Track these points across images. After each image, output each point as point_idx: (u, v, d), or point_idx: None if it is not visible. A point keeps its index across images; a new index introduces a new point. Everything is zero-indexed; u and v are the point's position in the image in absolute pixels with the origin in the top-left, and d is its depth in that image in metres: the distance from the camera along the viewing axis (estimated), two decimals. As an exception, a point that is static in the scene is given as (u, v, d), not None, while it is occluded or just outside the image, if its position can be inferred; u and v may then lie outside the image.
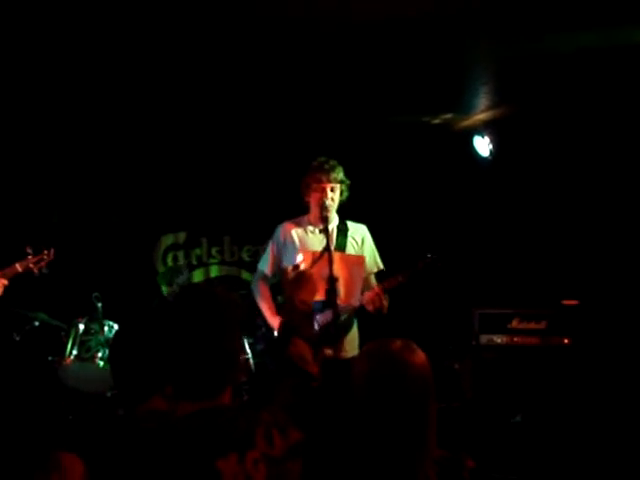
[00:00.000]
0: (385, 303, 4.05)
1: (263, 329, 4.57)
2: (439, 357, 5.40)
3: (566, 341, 4.87)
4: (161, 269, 6.72)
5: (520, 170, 5.90)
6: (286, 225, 4.37)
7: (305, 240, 4.28)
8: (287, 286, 2.78)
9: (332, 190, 4.19)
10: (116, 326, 5.09)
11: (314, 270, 3.98)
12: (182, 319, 1.93)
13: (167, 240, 6.83)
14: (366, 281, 4.23)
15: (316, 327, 4.04)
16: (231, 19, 3.99)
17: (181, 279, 6.33)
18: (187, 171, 6.60)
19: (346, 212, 4.41)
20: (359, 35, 4.26)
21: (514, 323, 5.00)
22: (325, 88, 5.20)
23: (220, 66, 4.75)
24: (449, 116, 5.84)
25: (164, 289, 5.88)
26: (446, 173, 6.22)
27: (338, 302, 3.81)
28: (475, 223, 6.07)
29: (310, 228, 4.32)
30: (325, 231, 3.99)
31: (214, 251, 6.86)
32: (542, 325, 4.94)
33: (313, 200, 4.24)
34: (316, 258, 3.92)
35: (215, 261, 6.86)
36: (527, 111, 5.53)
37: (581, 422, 4.65)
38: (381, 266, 4.34)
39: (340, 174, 4.20)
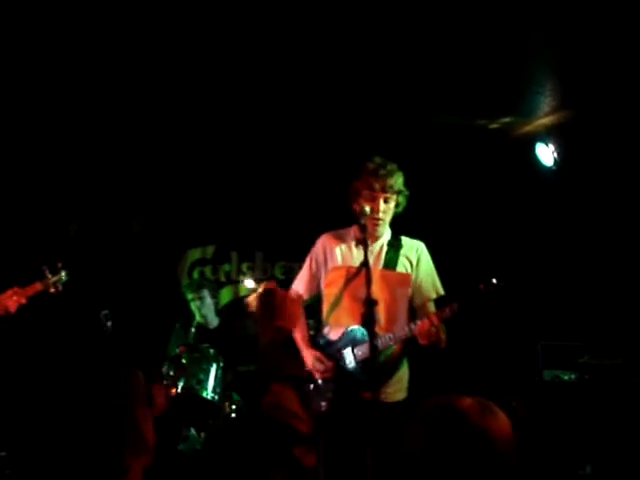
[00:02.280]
0: (443, 336, 3.34)
1: None
2: (495, 394, 4.82)
3: None
4: (185, 283, 6.23)
5: (588, 182, 5.37)
6: (327, 238, 3.71)
7: (349, 257, 3.60)
8: (257, 314, 2.19)
9: (386, 201, 3.51)
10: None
11: (348, 290, 3.41)
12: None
13: (194, 254, 6.48)
14: (422, 309, 3.55)
15: (353, 363, 3.41)
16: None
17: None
18: (218, 179, 6.26)
19: (396, 228, 3.79)
20: (406, 21, 3.83)
21: (585, 358, 4.56)
22: (367, 85, 4.77)
23: (254, 69, 4.51)
24: (508, 120, 5.39)
25: (189, 296, 5.41)
26: (505, 185, 5.76)
27: (377, 331, 3.16)
28: (539, 242, 5.56)
29: (356, 243, 3.63)
30: (363, 243, 3.25)
31: (245, 267, 6.52)
32: (617, 360, 4.49)
33: (361, 209, 3.53)
34: (351, 275, 3.29)
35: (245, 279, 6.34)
36: (596, 115, 5.03)
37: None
38: (441, 292, 3.64)
39: (399, 182, 3.53)
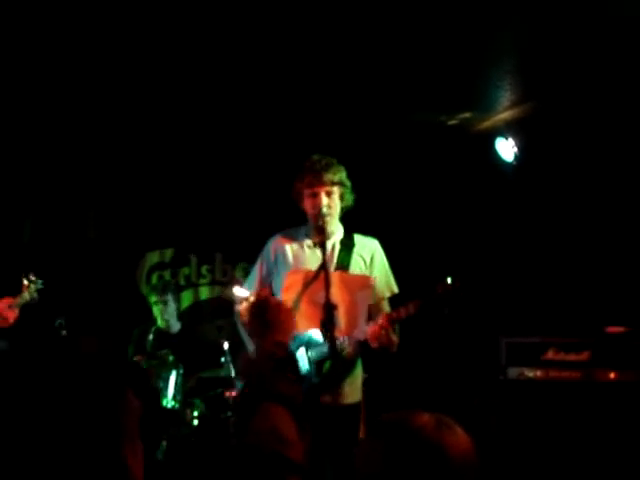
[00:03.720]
0: (394, 339, 3.27)
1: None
2: (458, 394, 4.77)
3: (612, 375, 4.28)
4: (145, 290, 6.06)
5: (550, 177, 5.29)
6: (278, 238, 3.61)
7: (301, 257, 3.50)
8: (248, 325, 2.02)
9: (328, 195, 3.44)
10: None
11: (307, 295, 3.30)
12: None
13: (152, 258, 6.33)
14: (376, 309, 3.47)
15: (306, 366, 3.31)
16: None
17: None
18: (175, 181, 6.14)
19: (349, 226, 3.71)
20: (363, 16, 3.74)
21: (550, 354, 4.41)
22: (325, 82, 4.68)
23: (216, 64, 4.40)
24: (467, 115, 5.30)
25: (153, 299, 5.28)
26: (465, 181, 5.66)
27: (338, 335, 3.07)
28: (499, 238, 5.47)
29: (308, 242, 3.54)
30: (321, 245, 3.17)
31: (204, 270, 6.36)
32: (583, 356, 4.36)
33: (308, 208, 3.50)
34: (309, 279, 3.19)
35: (205, 281, 6.36)
36: (557, 108, 4.98)
37: (630, 473, 3.99)
38: (395, 290, 3.58)
39: (337, 174, 3.46)
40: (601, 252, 5.04)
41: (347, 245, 3.53)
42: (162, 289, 5.33)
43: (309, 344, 3.31)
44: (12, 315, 4.33)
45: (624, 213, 4.99)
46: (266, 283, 3.56)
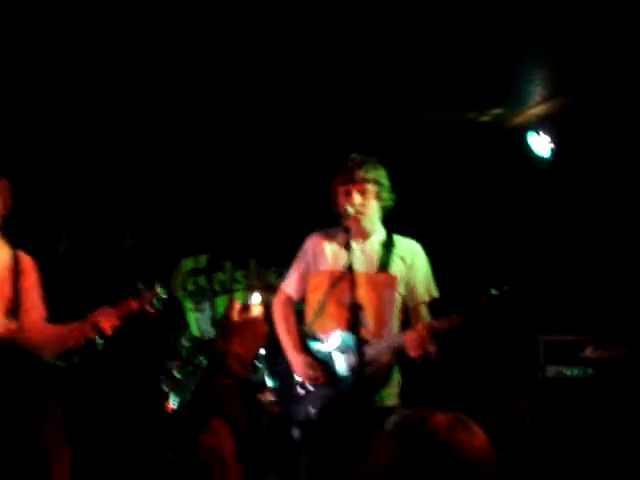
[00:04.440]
0: (432, 349, 3.16)
1: (284, 365, 3.74)
2: (496, 393, 4.67)
3: None
4: (181, 295, 6.09)
5: (586, 172, 5.18)
6: (316, 237, 3.55)
7: (339, 257, 3.41)
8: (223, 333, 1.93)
9: (361, 193, 3.35)
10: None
11: (333, 295, 3.26)
12: None
13: (187, 264, 6.32)
14: (415, 312, 3.40)
15: (344, 369, 3.26)
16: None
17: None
18: (208, 188, 6.13)
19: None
20: (391, 14, 3.71)
21: (588, 352, 4.36)
22: (358, 82, 4.64)
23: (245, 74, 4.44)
24: (499, 111, 5.22)
25: (189, 306, 5.28)
26: (499, 179, 5.56)
27: (367, 335, 3.03)
28: (534, 236, 5.37)
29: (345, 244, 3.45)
30: (346, 245, 3.11)
31: (239, 275, 6.36)
32: (623, 353, 4.29)
33: (341, 207, 3.41)
34: (335, 280, 3.14)
35: (240, 287, 6.31)
36: (591, 102, 4.87)
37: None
38: (435, 294, 3.48)
39: (372, 172, 3.37)
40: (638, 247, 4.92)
41: (388, 246, 3.46)
42: (199, 297, 5.32)
43: (347, 347, 3.25)
44: (108, 326, 3.55)
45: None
46: (304, 280, 3.52)
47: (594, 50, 4.18)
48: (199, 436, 1.41)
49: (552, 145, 5.13)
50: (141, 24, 3.79)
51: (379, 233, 3.49)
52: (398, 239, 3.51)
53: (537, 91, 4.88)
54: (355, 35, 3.98)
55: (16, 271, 3.36)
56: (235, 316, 1.97)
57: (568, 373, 4.37)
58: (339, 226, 3.46)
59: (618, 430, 4.11)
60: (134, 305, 3.61)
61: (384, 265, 3.40)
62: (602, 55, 4.24)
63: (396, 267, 3.41)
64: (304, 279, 3.52)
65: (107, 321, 3.52)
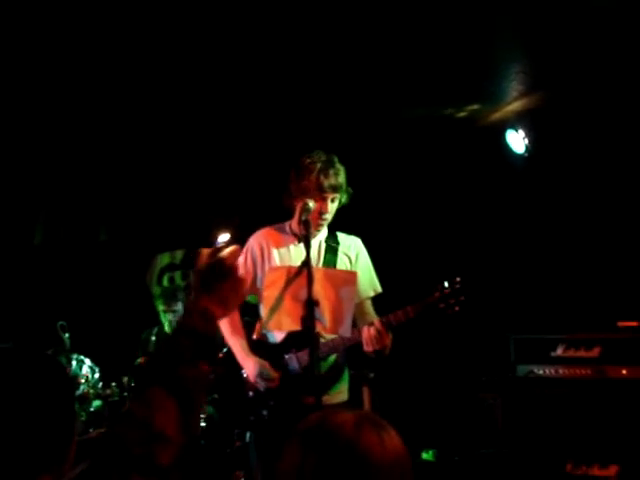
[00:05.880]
0: (388, 342, 3.14)
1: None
2: (467, 392, 4.65)
3: (624, 372, 4.16)
4: (157, 292, 6.02)
5: (561, 169, 5.16)
6: (264, 232, 3.51)
7: (286, 254, 3.41)
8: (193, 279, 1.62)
9: (333, 200, 3.34)
10: (87, 361, 4.49)
11: (290, 291, 3.20)
12: None
13: (163, 260, 6.25)
14: (359, 308, 3.37)
15: (297, 369, 3.26)
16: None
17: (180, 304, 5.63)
18: (184, 182, 6.07)
19: (346, 224, 3.59)
20: (364, 9, 3.65)
21: (559, 351, 4.32)
22: (330, 78, 4.58)
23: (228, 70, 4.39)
24: (475, 107, 5.17)
25: (161, 307, 5.21)
26: (474, 175, 5.51)
27: (322, 332, 3.00)
28: (509, 234, 5.33)
29: (297, 240, 3.45)
30: (305, 240, 3.02)
31: None
32: (594, 353, 4.25)
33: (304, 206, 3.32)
34: (292, 276, 3.09)
35: None
36: (567, 98, 4.86)
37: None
38: (379, 289, 3.47)
39: (343, 178, 3.35)
40: (612, 246, 4.91)
41: (332, 244, 3.45)
42: (171, 298, 5.26)
43: (299, 346, 3.25)
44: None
45: (636, 207, 4.85)
46: (250, 278, 3.44)
47: (570, 45, 4.14)
48: (131, 405, 1.23)
49: (528, 141, 5.09)
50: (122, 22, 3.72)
51: (323, 231, 3.47)
52: (341, 236, 3.51)
53: (513, 87, 4.81)
54: (332, 31, 3.93)
55: None
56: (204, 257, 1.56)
57: (539, 372, 4.34)
58: (283, 222, 3.49)
59: (589, 429, 4.09)
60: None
61: (331, 263, 3.39)
62: (576, 49, 4.20)
63: (342, 264, 3.40)
64: (249, 277, 3.44)
65: None
